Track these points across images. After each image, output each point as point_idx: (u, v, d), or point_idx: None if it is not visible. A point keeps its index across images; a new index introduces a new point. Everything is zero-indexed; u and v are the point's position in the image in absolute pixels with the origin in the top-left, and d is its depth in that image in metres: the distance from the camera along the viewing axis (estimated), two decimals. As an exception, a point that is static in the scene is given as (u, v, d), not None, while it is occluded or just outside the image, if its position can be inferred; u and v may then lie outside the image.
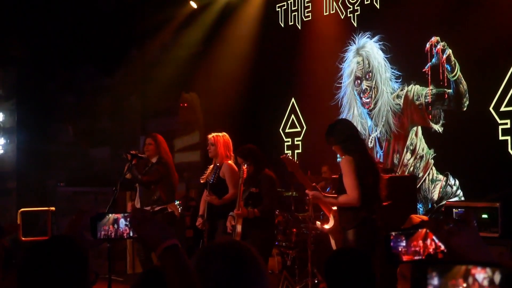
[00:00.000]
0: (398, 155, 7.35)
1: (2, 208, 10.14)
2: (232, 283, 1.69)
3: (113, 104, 10.60)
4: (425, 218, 4.46)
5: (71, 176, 10.33)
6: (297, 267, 6.62)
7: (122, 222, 2.25)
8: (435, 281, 1.31)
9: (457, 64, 6.65)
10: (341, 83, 8.12)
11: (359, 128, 7.71)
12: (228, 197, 6.13)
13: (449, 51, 6.72)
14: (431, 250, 1.92)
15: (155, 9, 9.58)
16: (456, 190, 6.66)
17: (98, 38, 9.76)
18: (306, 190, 5.19)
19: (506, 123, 6.16)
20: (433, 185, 6.90)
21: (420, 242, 1.93)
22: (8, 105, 10.53)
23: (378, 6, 7.58)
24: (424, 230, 1.94)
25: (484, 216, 5.03)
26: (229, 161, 6.26)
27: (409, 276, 3.25)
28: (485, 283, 1.27)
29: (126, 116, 10.45)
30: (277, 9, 8.97)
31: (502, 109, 6.19)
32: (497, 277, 1.26)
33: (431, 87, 6.91)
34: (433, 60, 6.87)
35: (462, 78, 6.59)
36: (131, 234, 2.28)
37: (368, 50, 7.74)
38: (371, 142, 7.68)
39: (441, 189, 6.80)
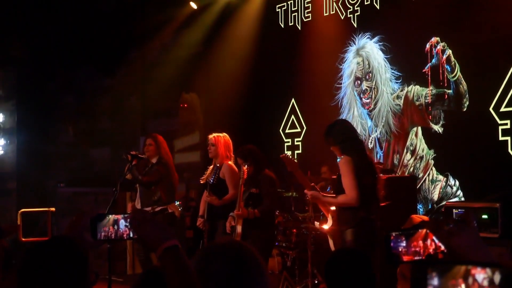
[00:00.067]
0: (398, 155, 7.35)
1: (2, 208, 10.14)
2: (233, 283, 1.69)
3: (113, 105, 10.60)
4: (425, 218, 4.46)
5: (71, 177, 10.34)
6: (297, 267, 6.61)
7: (122, 223, 2.25)
8: (435, 281, 1.31)
9: (457, 64, 6.65)
10: (341, 83, 8.12)
11: (359, 128, 7.72)
12: (228, 197, 6.13)
13: (449, 52, 6.73)
14: (431, 250, 1.93)
15: (155, 9, 9.58)
16: (456, 191, 6.67)
17: (98, 39, 9.76)
18: (305, 190, 5.21)
19: (506, 124, 6.16)
20: (433, 186, 6.90)
21: (420, 243, 1.93)
22: (8, 106, 10.53)
23: (378, 7, 7.58)
24: (424, 230, 1.94)
25: (484, 216, 5.03)
26: (229, 162, 6.26)
27: (409, 276, 3.26)
28: (485, 283, 1.27)
29: (126, 117, 10.45)
30: (277, 10, 8.98)
31: (502, 109, 6.19)
32: (497, 277, 1.26)
33: (431, 88, 6.92)
34: (433, 60, 6.87)
35: (462, 79, 6.59)
36: (131, 235, 2.28)
37: (368, 50, 7.74)
38: (371, 142, 7.68)
39: (441, 190, 6.80)
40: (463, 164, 6.56)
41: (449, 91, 6.71)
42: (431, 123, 6.93)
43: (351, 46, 7.97)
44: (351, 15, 7.94)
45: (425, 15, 7.00)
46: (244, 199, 5.82)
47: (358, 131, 7.60)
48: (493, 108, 6.26)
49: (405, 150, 7.26)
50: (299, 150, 8.62)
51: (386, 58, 7.50)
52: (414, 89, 7.14)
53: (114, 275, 6.68)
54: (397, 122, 7.38)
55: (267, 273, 1.80)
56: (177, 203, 7.09)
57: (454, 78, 6.66)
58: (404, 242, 1.93)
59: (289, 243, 6.75)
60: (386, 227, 4.66)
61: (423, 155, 7.05)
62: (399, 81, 7.35)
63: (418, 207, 6.64)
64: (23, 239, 7.66)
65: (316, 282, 6.29)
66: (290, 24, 8.78)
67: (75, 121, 10.85)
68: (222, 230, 6.07)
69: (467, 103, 6.55)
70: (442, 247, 1.89)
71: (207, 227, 6.20)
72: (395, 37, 7.41)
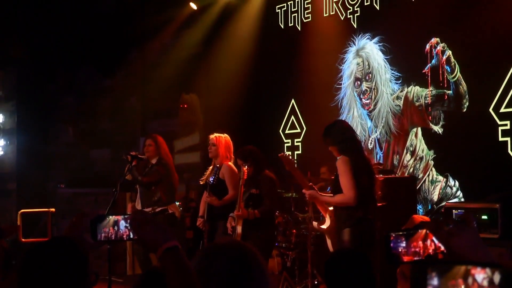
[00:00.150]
0: (398, 156, 7.35)
1: (2, 209, 10.15)
2: (235, 283, 1.69)
3: (113, 105, 10.60)
4: (427, 219, 4.46)
5: (71, 177, 10.34)
6: (297, 268, 6.62)
7: (122, 224, 2.25)
8: (435, 281, 1.32)
9: (457, 65, 6.65)
10: (341, 84, 8.12)
11: (359, 129, 7.73)
12: (228, 198, 6.14)
13: (449, 52, 6.73)
14: (431, 250, 1.93)
15: (155, 10, 9.59)
16: (456, 191, 6.67)
17: (98, 39, 9.76)
18: (303, 190, 5.23)
19: (506, 124, 6.17)
20: (433, 186, 6.90)
21: (420, 243, 1.93)
22: (8, 106, 10.54)
23: (378, 7, 7.58)
24: (424, 231, 1.94)
25: (484, 217, 5.04)
26: (229, 163, 6.26)
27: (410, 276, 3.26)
28: (485, 283, 1.27)
29: (126, 117, 10.45)
30: (276, 10, 8.98)
31: (502, 110, 6.19)
32: (496, 278, 1.27)
33: (431, 88, 6.92)
34: (433, 61, 6.87)
35: (462, 79, 6.60)
36: (131, 236, 2.28)
37: (368, 51, 7.74)
38: (371, 143, 7.69)
39: (441, 190, 6.81)
40: (463, 164, 6.56)
41: (449, 91, 6.72)
42: (431, 124, 6.93)
43: (351, 46, 7.98)
44: (351, 16, 7.94)
45: (425, 15, 7.01)
46: (244, 199, 5.82)
47: (358, 131, 7.61)
48: (493, 109, 6.26)
49: (405, 151, 7.26)
50: (299, 150, 8.62)
51: (386, 58, 7.50)
52: (414, 90, 7.14)
53: (114, 276, 6.68)
54: (397, 122, 7.38)
55: (269, 273, 1.80)
56: (177, 203, 7.10)
57: (454, 79, 6.66)
58: (404, 242, 1.93)
59: (289, 243, 6.76)
60: (386, 228, 4.67)
61: (423, 155, 7.05)
62: (399, 81, 7.35)
63: (418, 207, 6.64)
64: (23, 239, 7.66)
65: (316, 282, 6.29)
66: (290, 25, 8.78)
67: (75, 121, 10.85)
68: (222, 231, 6.08)
69: (467, 103, 6.55)
70: (442, 248, 1.89)
71: (207, 227, 6.20)
72: (395, 38, 7.41)
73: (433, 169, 6.93)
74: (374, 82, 7.68)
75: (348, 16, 7.97)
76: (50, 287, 1.91)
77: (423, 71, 6.97)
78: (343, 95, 8.09)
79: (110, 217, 2.26)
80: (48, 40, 9.94)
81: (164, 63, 9.89)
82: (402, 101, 7.30)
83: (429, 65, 6.91)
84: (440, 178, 6.83)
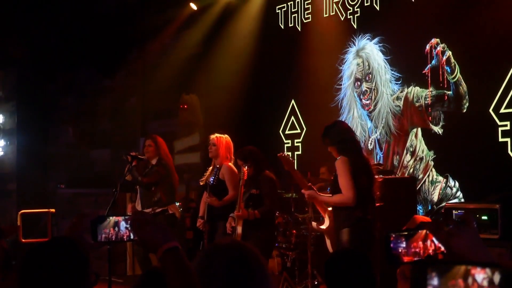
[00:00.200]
0: (398, 156, 7.35)
1: (2, 209, 10.15)
2: (235, 283, 1.69)
3: (114, 106, 10.61)
4: (428, 219, 4.47)
5: (71, 178, 10.34)
6: (297, 268, 6.62)
7: (122, 224, 2.26)
8: (435, 281, 1.32)
9: (457, 65, 6.65)
10: (341, 84, 8.12)
11: (359, 130, 7.73)
12: (228, 198, 6.14)
13: (449, 53, 6.73)
14: (431, 251, 1.93)
15: (155, 10, 9.59)
16: (456, 192, 6.67)
17: (99, 40, 9.77)
18: (302, 190, 5.24)
19: (506, 125, 6.17)
20: (433, 187, 6.90)
21: (420, 243, 1.93)
22: (8, 107, 10.54)
23: (378, 8, 7.58)
24: (424, 231, 1.95)
25: (484, 218, 5.04)
26: (229, 163, 6.26)
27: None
28: (485, 283, 1.27)
29: (126, 118, 10.45)
30: (277, 11, 8.98)
31: (502, 110, 6.20)
32: (496, 278, 1.27)
33: (431, 89, 6.92)
34: (433, 61, 6.88)
35: (462, 80, 6.60)
36: (131, 237, 2.28)
37: (368, 51, 7.75)
38: (371, 143, 7.69)
39: (441, 191, 6.81)
40: (463, 165, 6.56)
41: (449, 92, 6.72)
42: (431, 124, 6.93)
43: (351, 47, 7.98)
44: (351, 16, 7.94)
45: (425, 16, 7.01)
46: (244, 200, 5.82)
47: (358, 132, 7.62)
48: (493, 110, 6.26)
49: (405, 151, 7.26)
50: (299, 151, 8.62)
51: (386, 59, 7.51)
52: (414, 90, 7.14)
53: (114, 276, 6.67)
54: (397, 123, 7.38)
55: (270, 273, 1.80)
56: (177, 204, 7.10)
57: (454, 79, 6.66)
58: (404, 243, 1.93)
59: (289, 244, 6.76)
60: (386, 228, 4.67)
61: (423, 156, 7.05)
62: (399, 82, 7.36)
63: (418, 208, 6.64)
64: (23, 240, 7.66)
65: (316, 283, 6.29)
66: (290, 25, 8.78)
67: (75, 122, 10.86)
68: (222, 231, 6.08)
69: (467, 104, 6.55)
70: (442, 248, 1.89)
71: (207, 228, 6.20)
72: (395, 38, 7.41)
73: (433, 169, 6.93)
74: (374, 83, 7.68)
75: (348, 17, 7.97)
76: (50, 287, 1.91)
77: (423, 72, 6.97)
78: (343, 95, 8.09)
79: (111, 218, 2.26)
80: (48, 40, 9.95)
81: (164, 63, 9.89)
82: (402, 102, 7.30)
83: (429, 65, 6.91)
84: (440, 178, 6.83)
